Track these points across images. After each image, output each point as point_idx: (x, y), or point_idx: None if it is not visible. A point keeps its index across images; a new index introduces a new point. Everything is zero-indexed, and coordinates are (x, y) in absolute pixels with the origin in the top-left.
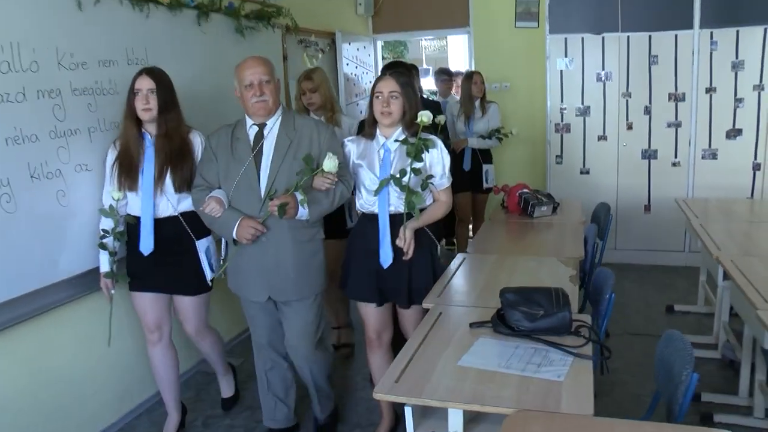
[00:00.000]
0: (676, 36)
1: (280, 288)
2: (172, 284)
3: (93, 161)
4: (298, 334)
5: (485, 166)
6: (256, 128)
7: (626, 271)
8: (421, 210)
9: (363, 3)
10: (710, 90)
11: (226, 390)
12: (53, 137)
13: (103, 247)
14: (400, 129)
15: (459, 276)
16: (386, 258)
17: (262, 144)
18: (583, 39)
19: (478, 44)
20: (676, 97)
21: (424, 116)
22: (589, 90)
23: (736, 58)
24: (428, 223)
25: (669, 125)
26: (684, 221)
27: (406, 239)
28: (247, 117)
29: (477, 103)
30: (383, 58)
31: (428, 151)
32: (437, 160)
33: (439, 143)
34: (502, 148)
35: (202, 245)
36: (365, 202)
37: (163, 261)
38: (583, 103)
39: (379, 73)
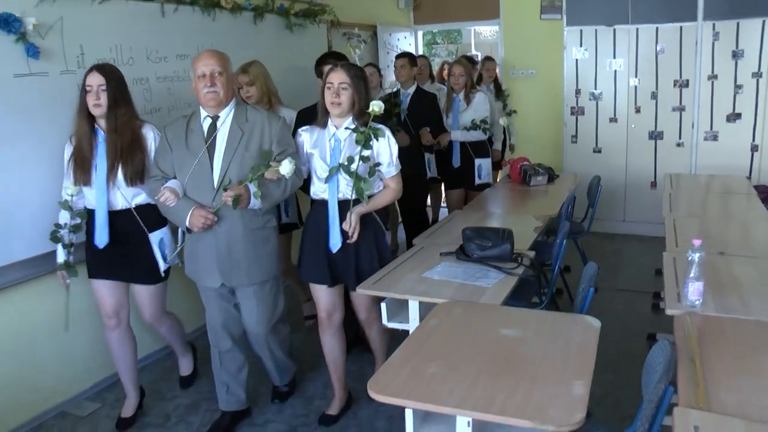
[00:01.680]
0: (681, 28)
1: (232, 274)
2: (129, 274)
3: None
4: (254, 318)
5: (478, 161)
6: (209, 120)
7: (631, 240)
8: (370, 197)
9: None
10: (712, 77)
11: (185, 369)
12: (142, 114)
13: (56, 240)
14: (350, 118)
15: (448, 225)
16: (335, 242)
17: (216, 135)
18: (596, 30)
19: (507, 34)
20: (681, 84)
21: (376, 106)
22: (601, 77)
23: (737, 47)
24: (376, 209)
25: (674, 109)
26: None
27: (352, 223)
28: (201, 108)
29: (461, 94)
30: (435, 43)
31: (377, 140)
32: (384, 148)
33: (387, 132)
34: (525, 128)
35: (155, 237)
36: (317, 189)
37: (119, 252)
38: (596, 89)
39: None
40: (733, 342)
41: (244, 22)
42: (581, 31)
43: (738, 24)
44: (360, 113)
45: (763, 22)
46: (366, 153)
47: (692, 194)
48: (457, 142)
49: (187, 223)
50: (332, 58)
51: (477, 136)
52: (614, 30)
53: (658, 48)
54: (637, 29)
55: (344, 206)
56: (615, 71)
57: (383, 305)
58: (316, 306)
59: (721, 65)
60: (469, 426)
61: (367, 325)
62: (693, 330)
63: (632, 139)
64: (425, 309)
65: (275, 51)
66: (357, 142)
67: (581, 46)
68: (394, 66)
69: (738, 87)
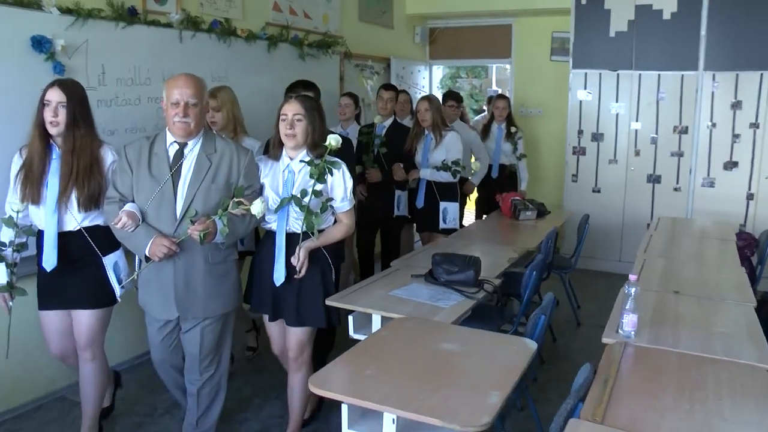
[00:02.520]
0: (682, 76)
1: (188, 307)
2: (75, 298)
3: None
4: (196, 350)
5: (443, 204)
6: (176, 146)
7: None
8: (320, 231)
9: (419, 33)
10: (711, 126)
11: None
12: (155, 129)
13: None
14: (305, 151)
15: (427, 251)
16: (278, 276)
17: (182, 163)
18: (600, 74)
19: (518, 73)
20: (680, 130)
21: (333, 140)
22: (603, 119)
23: (735, 98)
24: (326, 244)
25: (672, 154)
26: None
27: (300, 258)
28: (167, 132)
29: (431, 131)
30: (459, 77)
31: (331, 174)
32: (339, 183)
33: (343, 166)
34: (530, 165)
35: (109, 260)
36: (267, 219)
37: (68, 275)
38: (597, 130)
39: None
40: (650, 369)
41: (258, 50)
42: (586, 74)
43: (737, 76)
44: (314, 145)
45: (761, 75)
46: (319, 187)
47: (674, 237)
48: (423, 181)
49: (146, 251)
50: (300, 86)
51: (445, 177)
52: (618, 75)
53: (659, 94)
54: (640, 75)
55: (292, 239)
56: (617, 114)
57: (350, 318)
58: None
59: (720, 114)
60: (394, 423)
61: (294, 367)
62: (617, 357)
63: (631, 181)
64: (388, 323)
65: (287, 79)
66: (311, 175)
67: (585, 88)
68: (380, 97)
69: (736, 136)
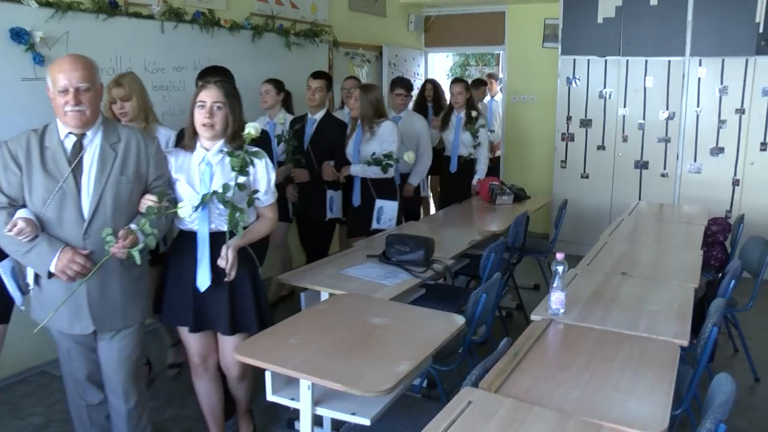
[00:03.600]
0: (669, 62)
1: (106, 318)
2: None
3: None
4: (118, 364)
5: (379, 202)
6: (73, 138)
7: None
8: (245, 228)
9: (413, 21)
10: (697, 111)
11: None
12: None
13: None
14: (222, 141)
15: (395, 232)
16: (204, 280)
17: (82, 157)
18: (589, 61)
19: (511, 60)
20: (668, 116)
21: (252, 129)
22: (591, 105)
23: (721, 84)
24: (251, 242)
25: (660, 140)
26: None
27: (229, 259)
28: (58, 123)
29: (361, 122)
30: (469, 65)
31: (253, 165)
32: (262, 174)
33: (266, 157)
34: (520, 152)
35: (5, 267)
36: (184, 219)
37: None
38: (586, 116)
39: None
40: (567, 345)
41: (242, 40)
42: (575, 60)
43: (723, 61)
44: (233, 136)
45: (746, 60)
46: (242, 180)
47: (645, 221)
48: (358, 178)
49: (52, 267)
50: (213, 73)
51: (375, 172)
52: (606, 61)
53: (646, 80)
54: (628, 61)
55: (216, 239)
56: (605, 100)
57: (302, 295)
58: (186, 351)
59: (706, 100)
60: (309, 389)
61: (237, 378)
62: (538, 333)
63: (619, 167)
64: (329, 298)
65: (274, 68)
66: (232, 167)
67: (574, 74)
68: (308, 87)
69: (722, 122)
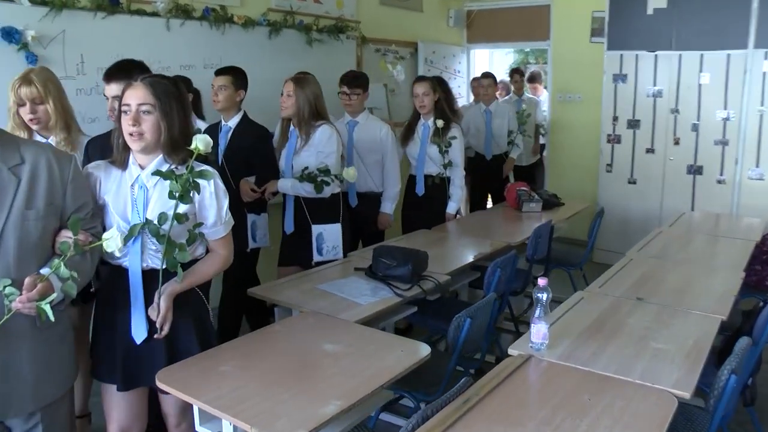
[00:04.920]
0: (728, 55)
1: (11, 401)
2: None
3: None
4: None
5: (317, 228)
6: None
7: None
8: (190, 263)
9: (453, 16)
10: (761, 110)
11: None
12: None
13: None
14: (161, 156)
15: (401, 242)
16: (139, 330)
17: None
18: (637, 56)
19: (556, 57)
20: (725, 116)
21: (200, 142)
22: (640, 104)
23: None
24: (198, 284)
25: (716, 143)
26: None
27: (162, 310)
28: None
29: (295, 125)
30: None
31: (198, 191)
32: (210, 201)
33: (215, 178)
34: (563, 155)
35: None
36: (114, 253)
37: None
38: (633, 117)
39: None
40: (537, 390)
41: (257, 37)
42: (622, 55)
43: None
44: (173, 148)
45: None
46: (183, 209)
47: (685, 235)
48: (290, 197)
49: None
50: (121, 70)
51: (307, 191)
52: (656, 56)
53: (701, 76)
54: (680, 56)
55: (151, 278)
56: (654, 99)
57: (276, 310)
58: (105, 417)
59: None
60: (230, 425)
61: (177, 427)
62: (506, 372)
63: (669, 172)
64: (287, 318)
65: (293, 66)
66: (170, 193)
67: (621, 71)
68: (212, 86)
69: None
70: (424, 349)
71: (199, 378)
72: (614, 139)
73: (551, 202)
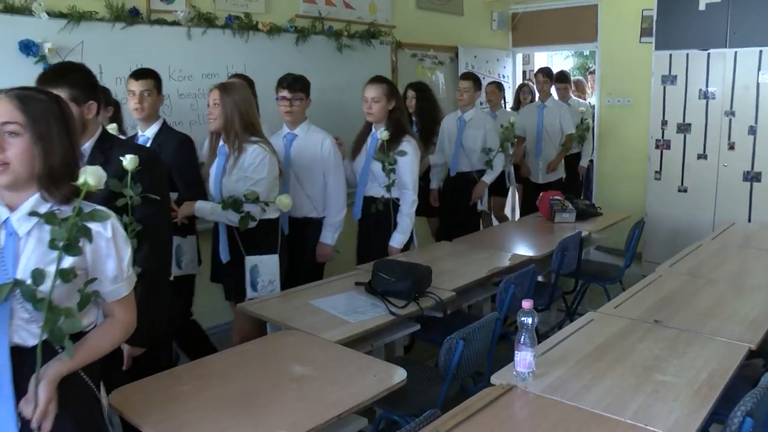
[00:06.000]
0: None
1: None
2: None
3: None
4: None
5: (251, 260)
6: None
7: None
8: (79, 335)
9: (497, 19)
10: None
11: None
12: None
13: None
14: (37, 195)
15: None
16: (6, 427)
17: None
18: (688, 55)
19: (605, 58)
20: None
21: (90, 177)
22: (691, 107)
23: None
24: (91, 362)
25: None
26: None
27: (41, 401)
28: None
29: (224, 137)
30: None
31: (89, 239)
32: (107, 250)
33: (113, 220)
34: (612, 162)
35: None
36: None
37: None
38: (684, 120)
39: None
40: (509, 424)
41: (283, 44)
42: (671, 55)
43: None
44: (53, 181)
45: None
46: (69, 262)
47: (729, 249)
48: (222, 224)
49: None
50: (45, 79)
51: (231, 220)
52: (708, 54)
53: (760, 75)
54: (736, 53)
55: (23, 359)
56: (707, 101)
57: (268, 326)
58: None
59: None
60: None
61: None
62: (480, 404)
63: (723, 179)
64: (266, 336)
65: (323, 73)
66: (52, 242)
67: (670, 72)
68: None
69: None
70: (400, 375)
71: (154, 397)
72: (663, 145)
73: (588, 212)
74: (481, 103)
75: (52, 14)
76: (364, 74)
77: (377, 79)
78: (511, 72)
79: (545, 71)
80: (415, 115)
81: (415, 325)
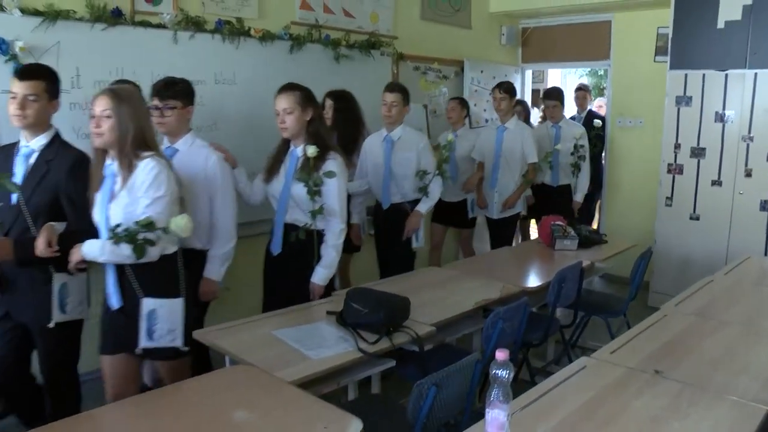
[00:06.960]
0: None
1: None
2: None
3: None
4: None
5: (149, 303)
6: None
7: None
8: None
9: (506, 33)
10: None
11: None
12: None
13: None
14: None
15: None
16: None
17: None
18: (704, 75)
19: (617, 77)
20: None
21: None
22: (706, 130)
23: None
24: None
25: None
26: None
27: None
28: None
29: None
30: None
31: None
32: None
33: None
34: (619, 187)
35: None
36: None
37: None
38: (698, 144)
39: None
40: None
41: (276, 51)
42: (686, 75)
43: None
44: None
45: None
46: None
47: (745, 286)
48: (109, 264)
49: None
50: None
51: (126, 256)
52: (726, 75)
53: None
54: (756, 75)
55: None
56: (723, 125)
57: (227, 358)
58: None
59: None
60: None
61: None
62: None
63: (739, 207)
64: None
65: (319, 83)
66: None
67: (685, 93)
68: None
69: None
70: (354, 426)
71: None
72: (676, 170)
73: (591, 240)
74: (486, 120)
75: (27, 11)
76: (363, 86)
77: (288, 87)
78: (519, 89)
79: (504, 86)
80: (332, 128)
81: (390, 361)
